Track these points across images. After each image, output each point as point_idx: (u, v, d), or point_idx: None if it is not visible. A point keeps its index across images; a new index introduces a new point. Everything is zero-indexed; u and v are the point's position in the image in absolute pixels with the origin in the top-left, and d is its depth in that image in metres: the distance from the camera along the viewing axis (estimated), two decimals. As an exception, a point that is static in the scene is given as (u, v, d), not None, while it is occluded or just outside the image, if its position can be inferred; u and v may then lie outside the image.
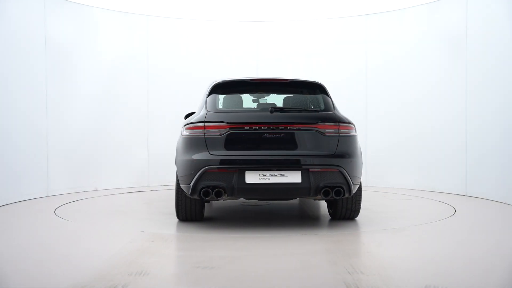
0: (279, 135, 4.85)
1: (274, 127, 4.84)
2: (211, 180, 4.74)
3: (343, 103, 8.79)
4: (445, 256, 3.97)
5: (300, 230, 4.99)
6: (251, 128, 4.85)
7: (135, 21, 8.85)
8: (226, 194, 4.77)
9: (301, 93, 5.59)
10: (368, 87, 9.05)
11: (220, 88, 5.40)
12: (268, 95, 6.18)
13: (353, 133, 5.06)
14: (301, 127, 4.87)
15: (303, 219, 5.53)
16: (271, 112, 4.96)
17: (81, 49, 8.15)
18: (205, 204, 6.40)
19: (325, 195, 4.81)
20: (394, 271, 3.55)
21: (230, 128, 4.86)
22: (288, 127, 4.85)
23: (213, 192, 4.74)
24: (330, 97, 5.33)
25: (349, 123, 5.06)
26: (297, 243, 4.47)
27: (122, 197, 7.59)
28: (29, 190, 7.15)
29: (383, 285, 3.19)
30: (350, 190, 4.85)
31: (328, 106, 5.22)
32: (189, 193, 4.87)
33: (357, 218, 5.60)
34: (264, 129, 4.84)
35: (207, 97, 5.29)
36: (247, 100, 5.49)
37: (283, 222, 5.38)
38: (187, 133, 5.00)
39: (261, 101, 6.24)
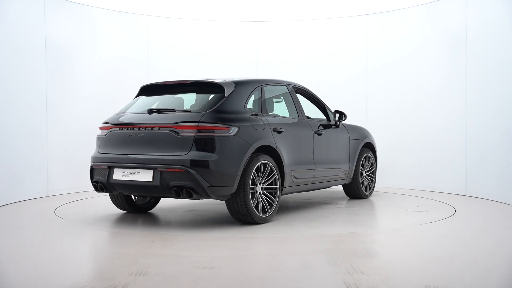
0: (139, 136, 5.11)
1: (137, 128, 5.14)
2: (96, 175, 5.38)
3: (343, 103, 8.80)
4: (445, 256, 3.97)
5: (299, 230, 4.99)
6: (122, 129, 5.24)
7: (135, 21, 8.84)
8: (104, 189, 5.32)
9: (204, 92, 5.55)
10: (368, 87, 9.04)
11: (144, 91, 5.80)
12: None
13: (221, 133, 4.87)
14: (160, 128, 4.99)
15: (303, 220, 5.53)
16: (149, 113, 5.17)
17: (81, 49, 8.15)
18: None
19: (177, 195, 4.90)
20: (394, 271, 3.56)
21: (112, 129, 5.36)
22: (147, 128, 5.07)
23: (98, 186, 5.35)
24: (226, 97, 5.15)
25: (216, 123, 4.88)
26: (297, 243, 4.47)
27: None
28: (29, 190, 7.15)
29: (383, 285, 3.19)
30: (205, 192, 4.79)
31: (210, 105, 5.08)
32: None
33: (357, 219, 5.59)
34: (130, 130, 5.18)
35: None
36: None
37: (283, 222, 5.38)
38: (97, 133, 5.60)
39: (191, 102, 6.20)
